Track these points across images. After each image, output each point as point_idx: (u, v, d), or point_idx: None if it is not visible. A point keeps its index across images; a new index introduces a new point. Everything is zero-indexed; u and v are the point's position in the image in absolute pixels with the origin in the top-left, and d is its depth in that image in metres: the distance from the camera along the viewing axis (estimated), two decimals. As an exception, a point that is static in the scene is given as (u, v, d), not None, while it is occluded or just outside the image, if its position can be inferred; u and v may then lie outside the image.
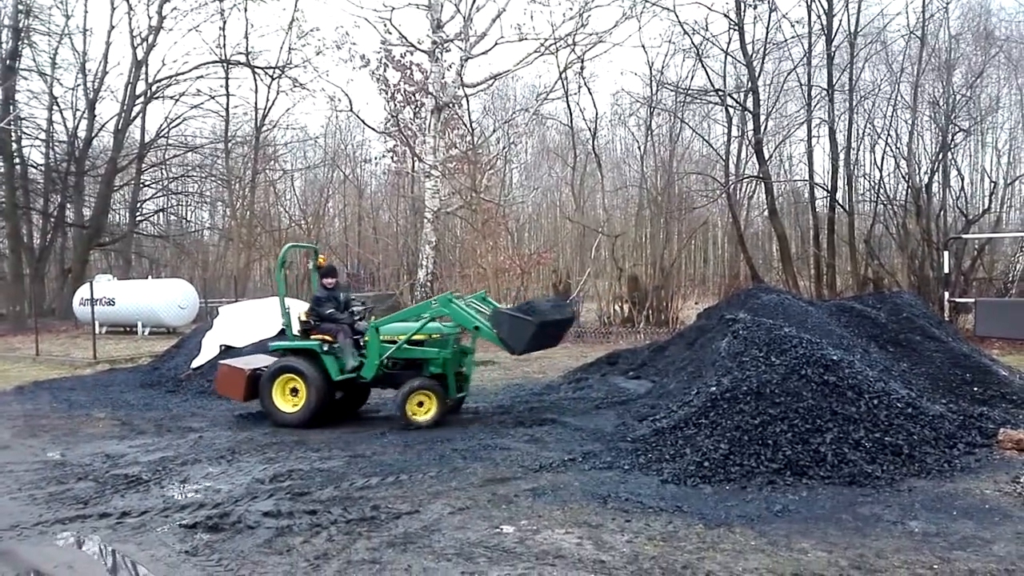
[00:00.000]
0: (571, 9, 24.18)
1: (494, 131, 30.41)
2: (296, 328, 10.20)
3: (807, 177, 26.25)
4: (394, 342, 9.65)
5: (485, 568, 4.86)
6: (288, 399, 9.85)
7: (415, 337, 9.63)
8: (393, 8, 24.54)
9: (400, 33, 24.83)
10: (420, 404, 9.42)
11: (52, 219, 36.29)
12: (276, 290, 11.01)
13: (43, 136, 36.58)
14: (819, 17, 23.62)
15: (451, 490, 6.58)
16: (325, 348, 9.83)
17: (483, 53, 25.81)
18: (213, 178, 39.59)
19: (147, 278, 30.09)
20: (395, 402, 9.57)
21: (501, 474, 7.07)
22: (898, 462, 6.68)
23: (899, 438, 6.91)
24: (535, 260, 25.93)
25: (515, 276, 25.14)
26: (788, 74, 25.18)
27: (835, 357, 7.69)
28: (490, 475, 7.04)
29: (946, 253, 18.30)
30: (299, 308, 11.11)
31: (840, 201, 23.81)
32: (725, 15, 23.78)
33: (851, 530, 5.39)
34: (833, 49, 23.33)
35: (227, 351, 13.40)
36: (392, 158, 29.04)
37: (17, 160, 34.77)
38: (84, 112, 36.09)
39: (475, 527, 5.62)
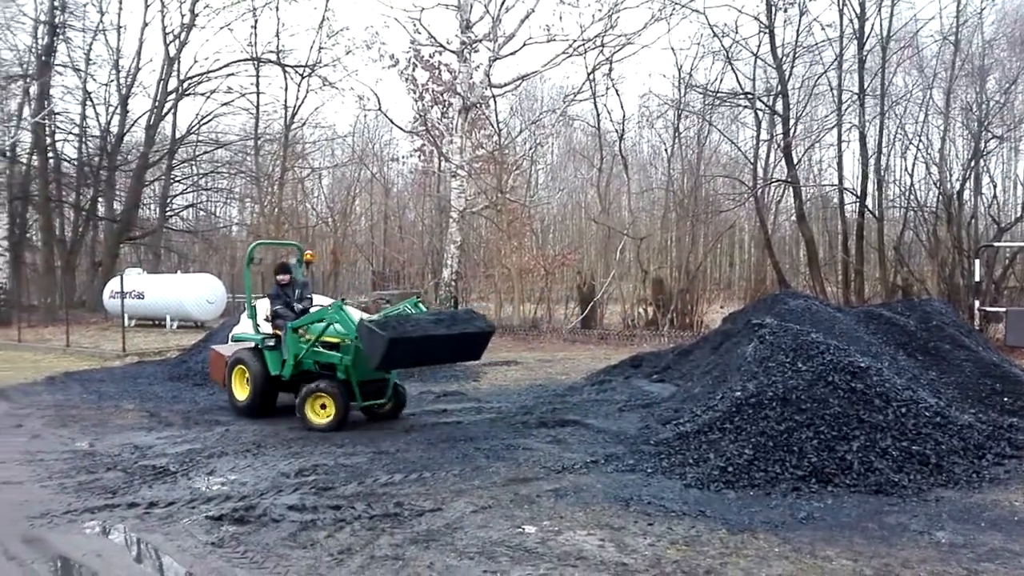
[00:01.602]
0: (600, 11, 24.11)
1: (521, 132, 30.45)
2: (262, 322, 10.46)
3: (836, 182, 26.02)
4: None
5: (507, 567, 4.87)
6: (244, 388, 10.34)
7: (331, 341, 9.46)
8: (423, 8, 24.63)
9: (429, 33, 24.91)
10: (323, 407, 9.34)
11: (84, 213, 36.86)
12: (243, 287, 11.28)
13: (76, 131, 37.24)
14: (851, 21, 23.39)
15: (474, 489, 6.61)
16: (270, 343, 10.02)
17: (511, 54, 25.81)
18: (242, 175, 39.98)
19: (176, 272, 30.41)
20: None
21: (523, 474, 7.08)
22: (925, 472, 6.60)
23: (927, 447, 6.83)
24: (559, 261, 25.88)
25: (539, 277, 25.12)
26: (818, 78, 24.89)
27: (863, 364, 7.61)
28: (512, 475, 7.06)
29: (977, 261, 18.06)
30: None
31: (870, 207, 23.56)
32: (755, 18, 23.64)
33: (877, 539, 5.34)
34: (865, 53, 23.08)
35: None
36: (419, 157, 29.18)
37: (51, 154, 35.38)
38: (117, 108, 36.66)
39: (497, 526, 5.64)
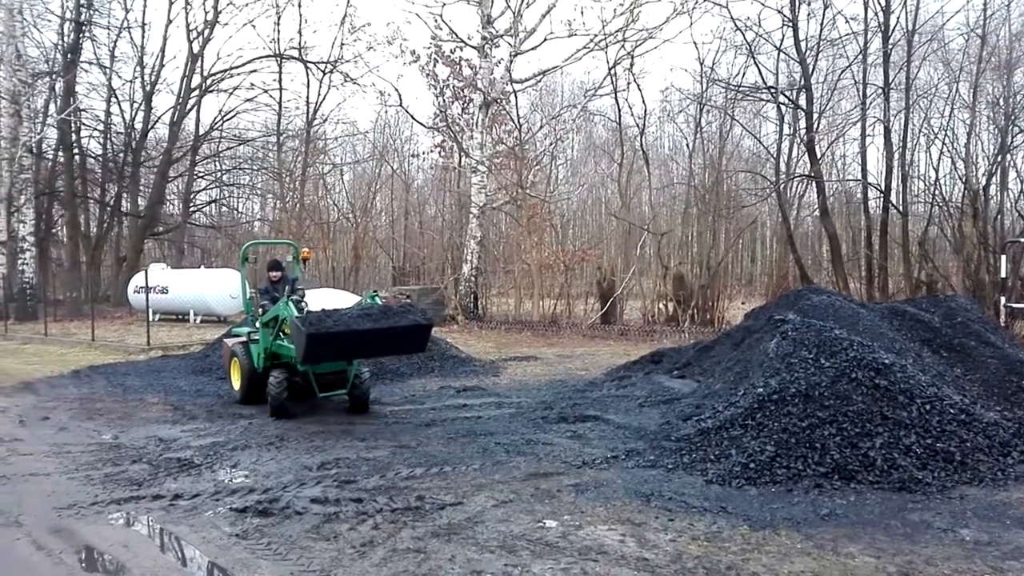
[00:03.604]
0: (622, 5, 24.07)
1: (541, 127, 30.36)
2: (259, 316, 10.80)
3: (860, 177, 25.74)
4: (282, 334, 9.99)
5: (528, 561, 4.89)
6: (239, 379, 10.99)
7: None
8: (444, 3, 24.73)
9: (450, 29, 25.01)
10: None
11: (109, 208, 37.27)
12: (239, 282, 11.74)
13: (101, 127, 37.60)
14: (876, 14, 23.10)
15: (494, 483, 6.63)
16: (256, 337, 10.46)
17: (532, 49, 25.87)
18: (264, 171, 40.27)
19: (199, 268, 30.67)
20: None
21: (544, 469, 7.10)
22: (950, 469, 6.55)
23: (951, 445, 6.77)
24: (579, 257, 25.84)
25: (559, 272, 25.10)
26: (842, 72, 24.65)
27: (887, 361, 7.55)
28: (533, 470, 7.07)
29: (1003, 257, 17.80)
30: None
31: (894, 202, 23.29)
32: (779, 11, 23.37)
33: (900, 536, 5.31)
34: (890, 47, 22.81)
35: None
36: (439, 153, 29.21)
37: (76, 150, 35.76)
38: (141, 104, 36.99)
39: (518, 520, 5.66)
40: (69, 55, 34.09)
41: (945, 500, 6.05)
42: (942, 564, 4.83)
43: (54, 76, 34.22)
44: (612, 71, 25.51)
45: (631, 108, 52.20)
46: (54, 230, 38.07)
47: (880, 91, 23.16)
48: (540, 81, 28.44)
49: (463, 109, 26.01)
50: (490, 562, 4.88)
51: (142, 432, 8.97)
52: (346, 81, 34.26)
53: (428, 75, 25.11)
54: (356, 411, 10.02)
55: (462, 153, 26.56)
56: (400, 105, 27.74)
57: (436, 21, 24.86)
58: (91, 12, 34.93)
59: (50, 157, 35.45)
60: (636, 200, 29.88)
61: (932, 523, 5.55)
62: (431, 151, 30.11)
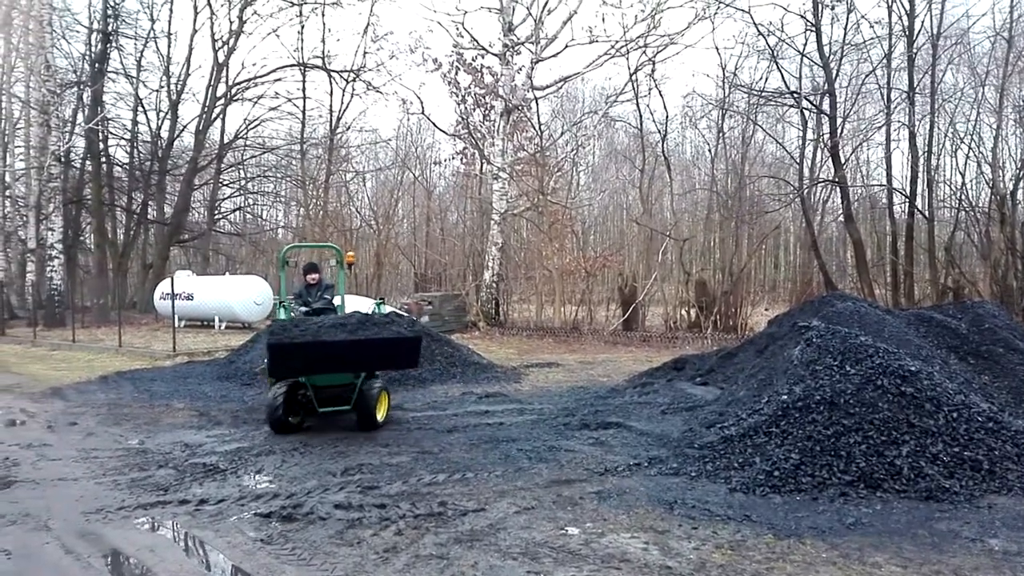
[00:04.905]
0: (643, 11, 24.08)
1: (562, 133, 30.42)
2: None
3: (885, 182, 25.51)
4: None
5: (550, 568, 4.88)
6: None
7: None
8: (466, 12, 24.89)
9: (472, 36, 25.14)
10: None
11: (135, 216, 37.76)
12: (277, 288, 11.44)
13: (128, 136, 38.15)
14: (900, 18, 22.93)
15: (516, 490, 6.63)
16: None
17: (553, 56, 25.95)
18: (288, 178, 40.61)
19: (224, 274, 30.95)
20: None
21: (566, 476, 7.08)
22: (978, 478, 6.45)
23: (979, 453, 6.67)
24: (601, 263, 25.80)
25: (580, 278, 25.08)
26: (866, 76, 24.49)
27: (913, 368, 7.46)
28: (555, 476, 7.06)
29: (1032, 263, 17.57)
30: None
31: (919, 207, 23.06)
32: (802, 16, 23.35)
33: (927, 546, 5.24)
34: (914, 51, 22.61)
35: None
36: (461, 160, 29.33)
37: (104, 159, 36.30)
38: (167, 113, 37.50)
39: (540, 527, 5.65)
40: (96, 65, 34.66)
41: (973, 509, 5.97)
42: (970, 574, 4.76)
43: (82, 86, 34.77)
44: (633, 77, 25.52)
45: (652, 114, 52.07)
46: (82, 238, 38.61)
47: (905, 95, 22.96)
48: (561, 88, 28.51)
49: (484, 116, 26.11)
50: (512, 569, 4.88)
51: (168, 437, 9.06)
52: (369, 89, 34.57)
53: (450, 83, 25.27)
54: (364, 428, 9.23)
55: (483, 160, 26.64)
56: (422, 113, 28.05)
57: (458, 29, 25.04)
58: (118, 23, 35.53)
59: (78, 166, 35.96)
60: (658, 206, 29.84)
61: (960, 532, 5.48)
62: (453, 158, 30.31)
